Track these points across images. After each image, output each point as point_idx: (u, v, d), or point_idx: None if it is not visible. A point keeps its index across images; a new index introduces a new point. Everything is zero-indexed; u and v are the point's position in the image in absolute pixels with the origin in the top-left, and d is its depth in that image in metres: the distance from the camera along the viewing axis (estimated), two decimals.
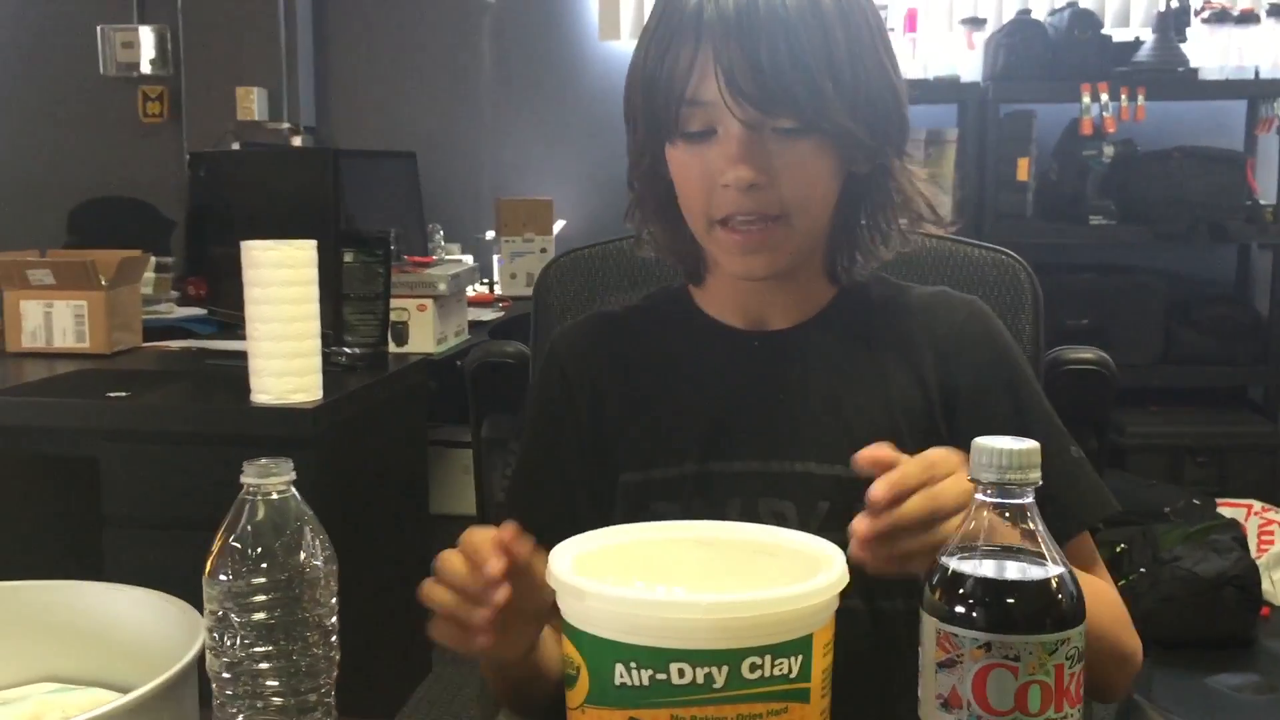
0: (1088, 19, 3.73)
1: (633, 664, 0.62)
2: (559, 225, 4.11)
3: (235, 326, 3.02)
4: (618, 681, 0.63)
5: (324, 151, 2.66)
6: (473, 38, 4.34)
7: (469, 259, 3.97)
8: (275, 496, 0.68)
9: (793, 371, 1.02)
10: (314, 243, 2.20)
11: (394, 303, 2.63)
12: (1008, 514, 0.62)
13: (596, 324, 1.12)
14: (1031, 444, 0.61)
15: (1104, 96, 3.64)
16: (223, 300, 2.87)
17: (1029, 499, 0.61)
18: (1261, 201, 3.73)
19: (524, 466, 1.08)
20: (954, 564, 0.62)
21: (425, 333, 2.79)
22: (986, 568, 0.61)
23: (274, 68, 4.19)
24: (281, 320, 2.19)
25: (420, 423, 2.86)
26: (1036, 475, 0.61)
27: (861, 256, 1.03)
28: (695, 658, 0.61)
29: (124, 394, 2.28)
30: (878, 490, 0.73)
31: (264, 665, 0.67)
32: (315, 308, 2.22)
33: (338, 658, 0.70)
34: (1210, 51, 3.77)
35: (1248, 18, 3.73)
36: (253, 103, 4.14)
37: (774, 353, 1.04)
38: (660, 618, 0.62)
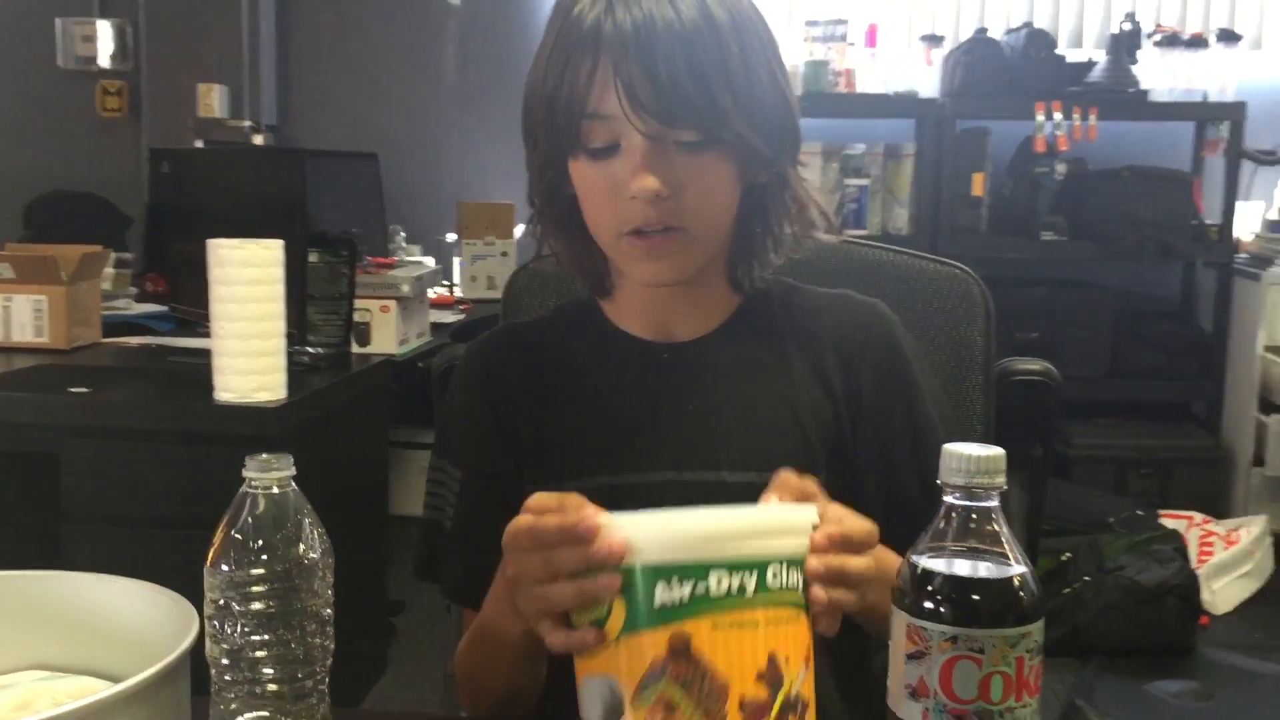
0: (1043, 39, 3.82)
1: (675, 579, 0.67)
2: (520, 229, 4.13)
3: (196, 324, 3.03)
4: (658, 602, 0.67)
5: (294, 152, 2.67)
6: (437, 40, 4.36)
7: (430, 261, 3.98)
8: (276, 490, 0.71)
9: (703, 381, 1.04)
10: (281, 243, 2.21)
11: (357, 303, 2.65)
12: (974, 515, 0.66)
13: (506, 338, 1.13)
14: (997, 451, 0.66)
15: (1057, 115, 3.73)
16: (185, 297, 2.86)
17: (994, 502, 0.65)
18: (1207, 221, 3.83)
19: (467, 494, 1.07)
20: (923, 562, 0.66)
21: (388, 334, 2.80)
22: (954, 566, 0.65)
23: (236, 65, 4.19)
24: (247, 319, 2.20)
25: (381, 423, 2.87)
26: (1001, 480, 0.65)
27: (759, 264, 1.05)
28: (731, 566, 0.67)
29: (85, 390, 2.28)
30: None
31: (262, 653, 0.70)
32: (281, 307, 2.23)
33: (332, 647, 0.72)
34: (1160, 74, 3.87)
35: (1197, 42, 3.84)
36: (214, 100, 4.13)
37: (684, 363, 1.05)
38: (697, 531, 0.68)
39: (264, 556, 0.70)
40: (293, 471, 0.71)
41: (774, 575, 0.68)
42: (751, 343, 1.06)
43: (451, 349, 1.39)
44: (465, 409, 1.09)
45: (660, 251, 0.97)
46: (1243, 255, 3.88)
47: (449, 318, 3.48)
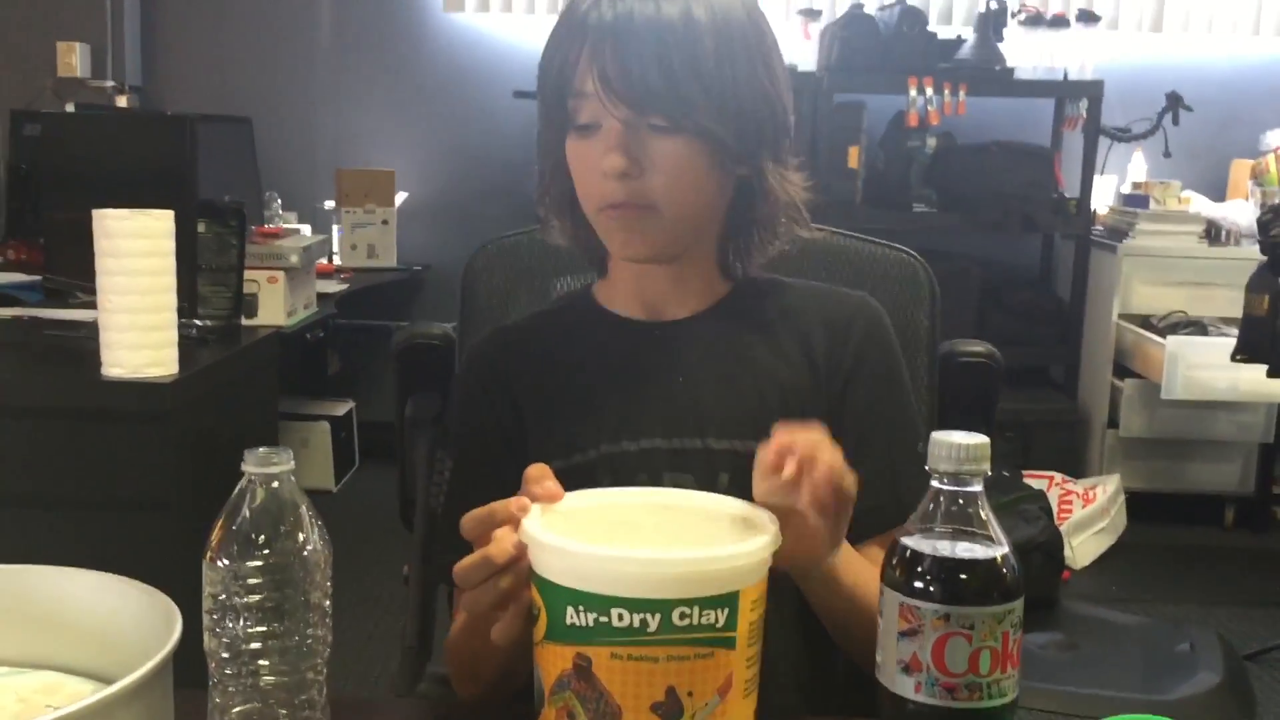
0: (915, 16, 3.92)
1: (580, 607, 0.71)
2: (401, 197, 4.09)
3: (67, 295, 2.92)
4: (568, 622, 0.72)
5: (180, 118, 2.58)
6: (311, 2, 4.26)
7: (307, 229, 3.91)
8: (275, 484, 0.71)
9: (691, 356, 1.09)
10: (171, 213, 2.15)
11: (245, 275, 2.59)
12: (960, 499, 0.70)
13: (504, 336, 1.19)
14: (982, 439, 0.70)
15: (929, 90, 3.84)
16: (60, 268, 2.76)
17: (979, 487, 0.70)
18: (1066, 195, 4.00)
19: (458, 478, 1.14)
20: (913, 544, 0.70)
21: (275, 305, 2.75)
22: (943, 548, 0.69)
23: (98, 22, 4.02)
24: (137, 292, 2.14)
25: (272, 396, 2.82)
26: (987, 466, 0.70)
27: (750, 254, 1.11)
28: (632, 605, 0.70)
29: None
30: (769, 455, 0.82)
31: (263, 645, 0.70)
32: (172, 280, 2.17)
33: (330, 638, 0.73)
34: (1024, 52, 4.02)
35: (1059, 22, 3.99)
36: (74, 59, 3.96)
37: (673, 340, 1.11)
38: (603, 568, 0.71)
39: (264, 550, 0.70)
40: (292, 465, 0.71)
41: (681, 616, 0.70)
42: (739, 323, 1.12)
43: (412, 329, 1.40)
44: (464, 404, 1.16)
45: (631, 224, 1.04)
46: (1098, 227, 4.06)
47: (332, 287, 3.43)
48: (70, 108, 3.70)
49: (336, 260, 3.91)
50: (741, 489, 0.94)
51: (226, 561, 0.70)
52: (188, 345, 2.33)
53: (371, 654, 2.83)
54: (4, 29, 4.04)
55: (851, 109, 3.97)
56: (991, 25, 3.96)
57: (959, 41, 3.99)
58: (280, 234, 3.09)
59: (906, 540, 0.71)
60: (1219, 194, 4.24)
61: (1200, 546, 3.78)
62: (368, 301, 3.79)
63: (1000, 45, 3.97)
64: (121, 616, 0.86)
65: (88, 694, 0.85)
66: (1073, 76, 4.01)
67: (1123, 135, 4.03)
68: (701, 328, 1.11)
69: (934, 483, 0.71)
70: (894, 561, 0.71)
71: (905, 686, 0.69)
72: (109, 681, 0.87)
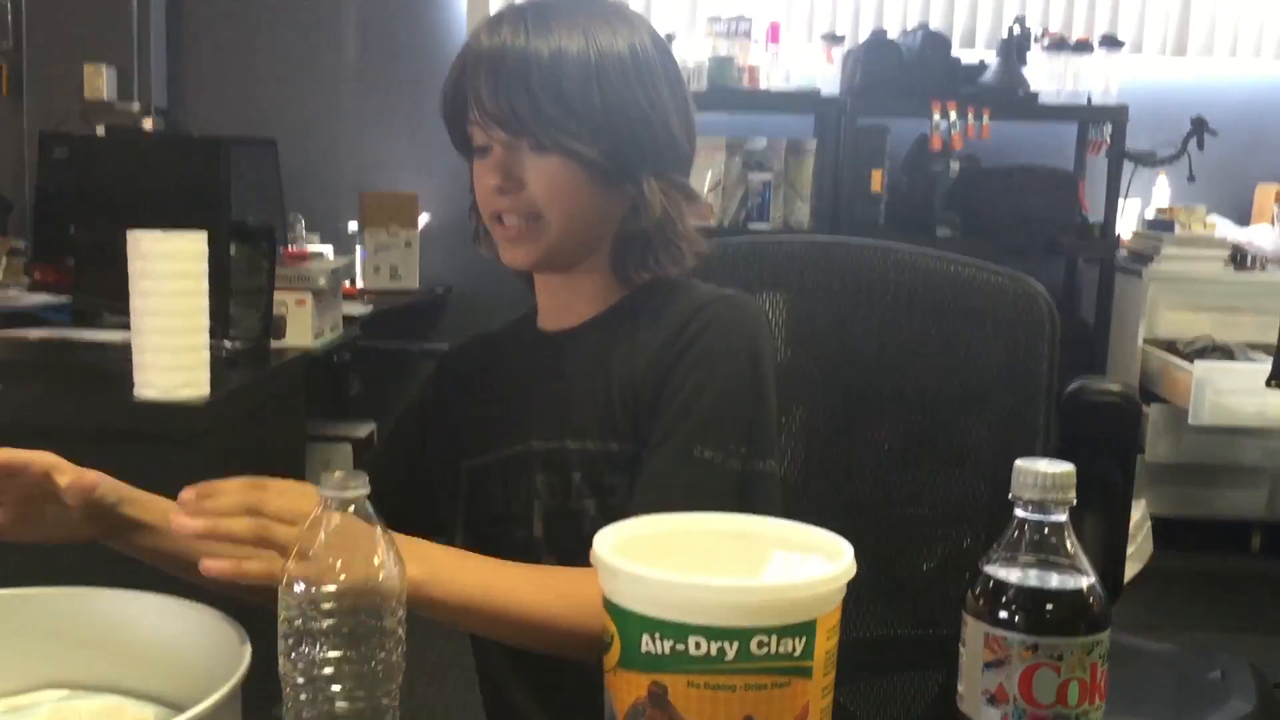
0: (938, 40, 3.93)
1: (657, 634, 0.70)
2: (424, 219, 4.09)
3: (95, 316, 2.93)
4: (644, 649, 0.71)
5: (214, 141, 2.59)
6: (336, 25, 4.28)
7: (330, 251, 3.92)
8: (351, 508, 0.71)
9: (568, 364, 1.17)
10: (204, 234, 2.16)
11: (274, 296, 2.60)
12: (1045, 529, 0.69)
13: (468, 344, 1.31)
14: (1068, 467, 0.69)
15: (952, 115, 3.84)
16: (90, 289, 2.77)
17: (1063, 516, 0.69)
18: (1090, 219, 3.99)
19: (373, 454, 1.32)
20: (1000, 574, 0.69)
21: (303, 327, 2.75)
22: (1030, 577, 0.69)
23: (125, 45, 4.04)
24: (170, 314, 2.14)
25: (300, 417, 2.83)
26: (1071, 495, 0.69)
27: (659, 264, 1.16)
28: (710, 633, 0.69)
29: None
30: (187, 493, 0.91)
31: (338, 670, 0.70)
32: (205, 301, 2.18)
33: (404, 665, 0.73)
34: (1047, 76, 4.02)
35: (1082, 46, 3.99)
36: (102, 81, 3.98)
37: (559, 349, 1.19)
38: (681, 596, 0.70)
39: (341, 575, 0.69)
40: (367, 490, 0.71)
41: (759, 645, 0.69)
42: (614, 329, 1.17)
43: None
44: (413, 399, 1.30)
45: (516, 239, 1.13)
46: (1122, 252, 4.05)
47: (356, 310, 3.43)
48: (101, 131, 3.71)
49: (359, 283, 3.92)
50: (592, 486, 1.10)
51: (303, 586, 0.69)
52: (218, 367, 2.33)
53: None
54: (31, 52, 4.06)
55: (875, 133, 3.98)
56: (1015, 50, 3.96)
57: (982, 66, 3.99)
58: (307, 256, 3.10)
59: (991, 570, 0.70)
60: (1243, 218, 4.23)
61: (1227, 573, 3.76)
62: (389, 323, 3.79)
63: (1024, 70, 3.97)
64: (185, 639, 0.86)
65: (150, 718, 0.85)
66: (1096, 101, 4.00)
67: (1147, 160, 4.02)
68: (585, 334, 1.18)
69: (1019, 511, 0.70)
70: (978, 591, 0.70)
71: (991, 718, 0.68)
72: (172, 705, 0.86)
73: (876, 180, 3.96)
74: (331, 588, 0.70)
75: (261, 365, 2.50)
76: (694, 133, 1.17)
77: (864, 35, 4.08)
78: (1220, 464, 3.78)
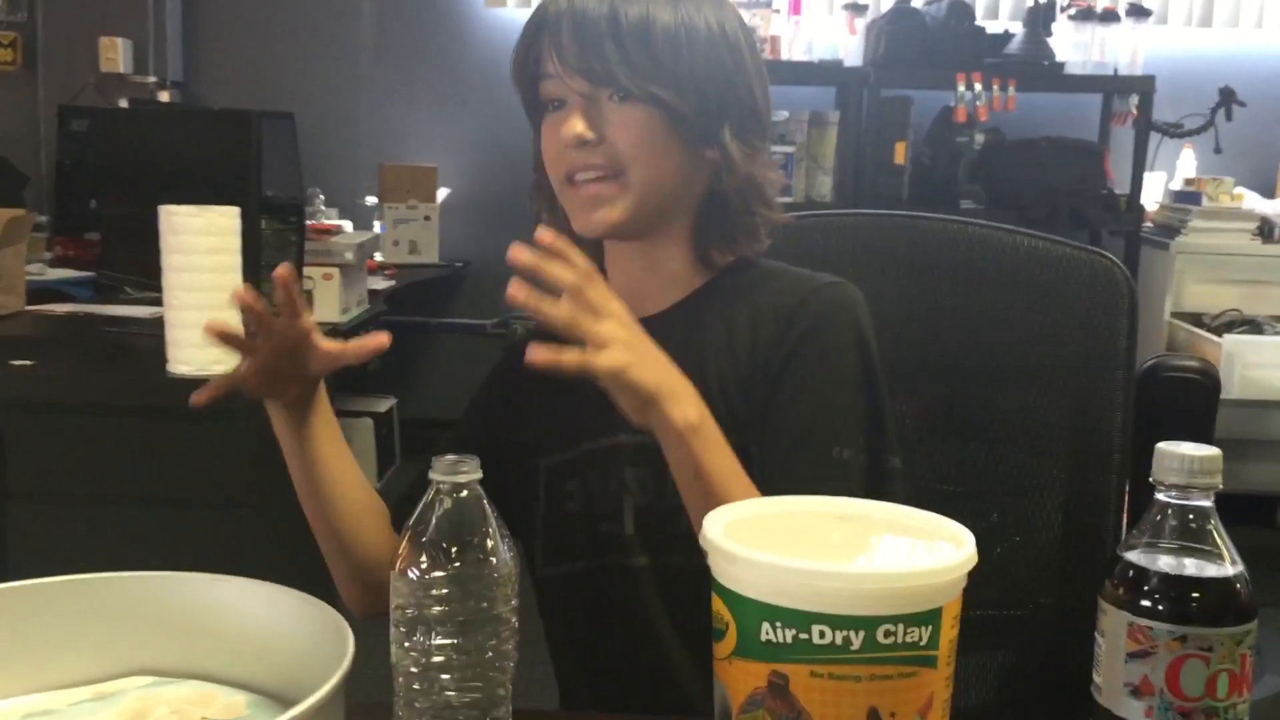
0: (963, 10, 3.88)
1: (778, 623, 0.68)
2: (443, 193, 4.06)
3: (117, 290, 2.90)
4: (763, 638, 0.68)
5: (244, 114, 2.56)
6: None
7: (349, 225, 3.89)
8: (463, 493, 0.68)
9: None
10: (237, 210, 2.13)
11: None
12: (1190, 515, 0.67)
13: (532, 331, 1.23)
14: (1214, 450, 0.67)
15: (977, 86, 3.80)
16: (114, 263, 2.74)
17: (1209, 502, 0.67)
18: (1116, 190, 3.95)
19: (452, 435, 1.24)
20: (1143, 561, 0.67)
21: (331, 302, 2.73)
22: (1176, 565, 0.66)
23: (140, 18, 4.00)
24: (204, 289, 2.11)
25: (328, 394, 2.80)
26: (1218, 480, 0.67)
27: (737, 243, 1.13)
28: (835, 622, 0.67)
29: (29, 362, 2.17)
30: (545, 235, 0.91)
31: (450, 659, 0.68)
32: (239, 277, 2.15)
33: (517, 654, 0.71)
34: (1073, 47, 3.97)
35: (1109, 16, 3.94)
36: (117, 54, 3.94)
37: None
38: (806, 584, 0.68)
39: (455, 562, 0.67)
40: (479, 474, 0.68)
41: (886, 634, 0.67)
42: (704, 316, 1.13)
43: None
44: (472, 400, 1.26)
45: (594, 200, 1.08)
46: (1148, 224, 4.02)
47: (379, 284, 3.40)
48: (124, 103, 3.67)
49: (378, 256, 3.89)
50: None
51: (416, 573, 0.67)
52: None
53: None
54: (46, 25, 4.02)
55: (898, 104, 3.93)
56: (1041, 20, 3.91)
57: (1007, 36, 3.95)
58: (333, 230, 3.08)
59: (1133, 557, 0.68)
60: (1269, 190, 4.19)
61: (1257, 547, 3.72)
62: (408, 298, 3.77)
63: (1049, 40, 3.92)
64: (274, 624, 0.84)
65: (241, 705, 0.83)
66: (1122, 71, 3.96)
67: (1175, 131, 3.98)
68: (669, 321, 1.12)
69: (1160, 495, 0.68)
70: (1116, 579, 0.68)
71: (1134, 711, 0.66)
72: (261, 691, 0.84)
73: (900, 152, 3.91)
74: (444, 574, 0.68)
75: None
76: (770, 108, 1.14)
77: (887, 5, 4.03)
78: (1248, 438, 3.76)
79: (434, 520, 0.68)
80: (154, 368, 2.12)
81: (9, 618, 0.82)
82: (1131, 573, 0.67)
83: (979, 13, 4.06)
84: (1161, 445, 0.67)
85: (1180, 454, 0.66)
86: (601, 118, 1.06)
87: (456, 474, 0.68)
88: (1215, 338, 3.57)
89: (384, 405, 4.04)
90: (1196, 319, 3.79)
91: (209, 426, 2.15)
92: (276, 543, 2.52)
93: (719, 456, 0.96)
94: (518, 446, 1.16)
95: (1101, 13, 3.97)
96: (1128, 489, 1.21)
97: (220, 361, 2.11)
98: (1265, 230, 3.82)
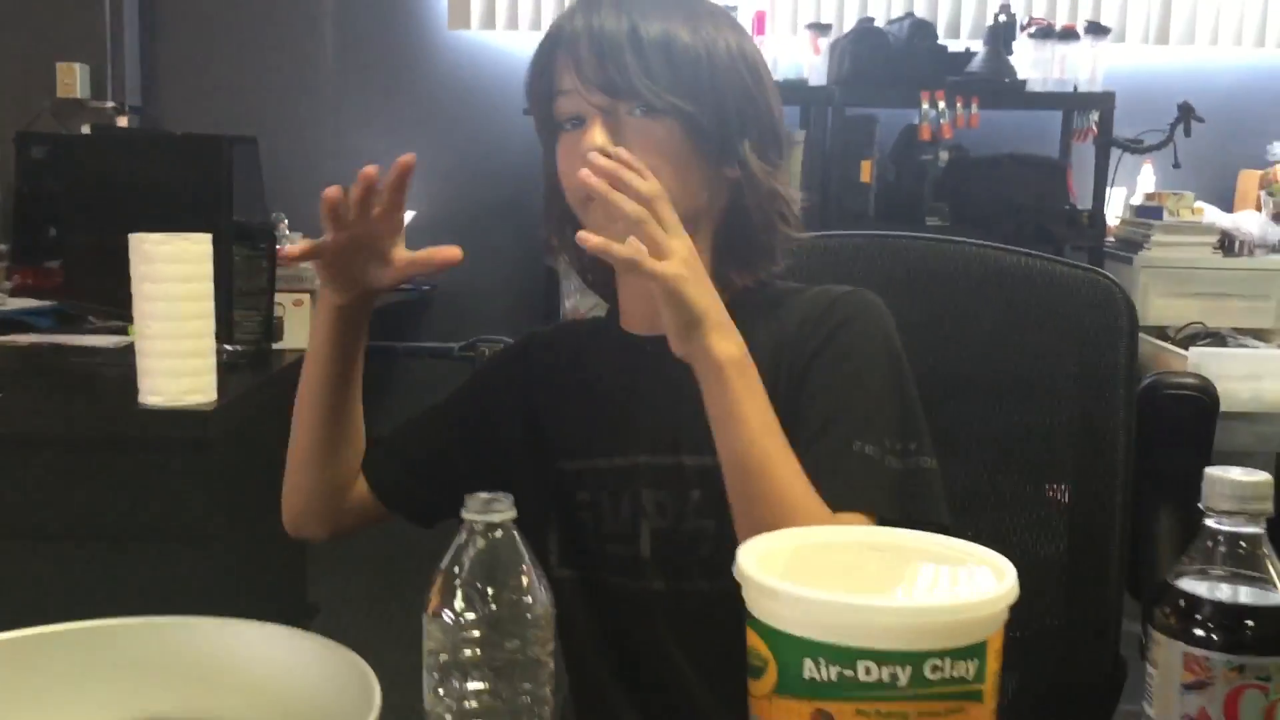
0: (925, 29, 3.91)
1: (822, 660, 0.66)
2: (409, 216, 4.02)
3: (81, 320, 2.85)
4: (806, 675, 0.67)
5: (214, 139, 2.52)
6: (313, 20, 4.19)
7: None
8: (497, 533, 0.66)
9: (675, 372, 1.09)
10: (209, 236, 2.10)
11: None
12: (1242, 541, 0.66)
13: (537, 339, 1.27)
14: (1264, 476, 0.66)
15: (940, 104, 3.82)
16: (81, 292, 2.69)
17: (1261, 529, 0.66)
18: (1079, 206, 3.99)
19: (424, 414, 1.27)
20: (1195, 589, 0.66)
21: (301, 328, 2.69)
22: (1231, 593, 0.65)
23: (97, 43, 3.94)
24: (176, 318, 2.09)
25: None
26: (1269, 505, 0.66)
27: (754, 264, 1.13)
28: (882, 657, 0.65)
29: None
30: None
31: (486, 704, 0.65)
32: (211, 305, 2.12)
33: (553, 699, 0.69)
34: (1033, 64, 4.01)
35: (1069, 34, 3.98)
36: (74, 79, 3.88)
37: (661, 356, 1.10)
38: (852, 618, 0.66)
39: (492, 605, 0.65)
40: (514, 513, 0.66)
41: (934, 669, 0.66)
42: None
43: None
44: (478, 375, 1.26)
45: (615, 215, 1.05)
46: (1110, 239, 4.05)
47: None
48: (86, 129, 3.61)
49: None
50: (713, 504, 1.02)
51: (451, 616, 0.65)
52: (221, 372, 2.27)
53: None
54: (2, 48, 3.95)
55: (863, 123, 3.95)
56: (1001, 38, 3.95)
57: (969, 54, 3.98)
58: None
59: (1185, 585, 0.67)
60: (1226, 204, 4.24)
61: None
62: (387, 321, 3.73)
63: (1010, 58, 3.96)
64: (287, 668, 0.81)
65: None
66: (1082, 88, 4.00)
67: (1135, 147, 4.02)
68: None
69: (1210, 522, 0.67)
70: (1167, 607, 0.67)
71: None
72: None
73: (865, 171, 3.93)
74: (478, 617, 0.65)
75: (264, 369, 2.45)
76: (784, 128, 1.14)
77: (850, 24, 4.05)
78: (1216, 449, 3.79)
79: (467, 561, 0.66)
80: (125, 398, 2.08)
81: (14, 668, 0.79)
82: (1183, 601, 0.67)
83: (940, 31, 4.09)
84: (1211, 471, 0.66)
85: (1231, 480, 0.66)
86: (621, 132, 1.05)
87: (490, 513, 0.66)
88: (1181, 350, 3.60)
89: None
90: (1161, 332, 3.82)
91: (181, 459, 2.11)
92: (250, 576, 2.48)
93: (757, 400, 0.97)
94: (528, 439, 1.16)
95: (1061, 31, 4.02)
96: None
97: (194, 392, 2.10)
98: (1226, 244, 3.87)
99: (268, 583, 2.39)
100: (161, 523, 2.09)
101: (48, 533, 2.08)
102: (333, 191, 1.00)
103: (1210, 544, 0.67)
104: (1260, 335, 3.83)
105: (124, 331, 2.58)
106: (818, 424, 1.03)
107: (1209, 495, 0.66)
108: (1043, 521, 1.25)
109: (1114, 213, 4.16)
